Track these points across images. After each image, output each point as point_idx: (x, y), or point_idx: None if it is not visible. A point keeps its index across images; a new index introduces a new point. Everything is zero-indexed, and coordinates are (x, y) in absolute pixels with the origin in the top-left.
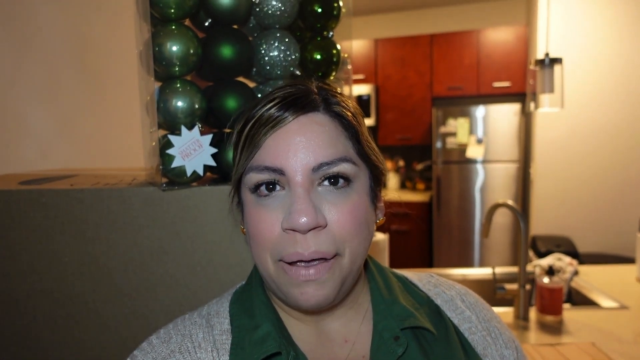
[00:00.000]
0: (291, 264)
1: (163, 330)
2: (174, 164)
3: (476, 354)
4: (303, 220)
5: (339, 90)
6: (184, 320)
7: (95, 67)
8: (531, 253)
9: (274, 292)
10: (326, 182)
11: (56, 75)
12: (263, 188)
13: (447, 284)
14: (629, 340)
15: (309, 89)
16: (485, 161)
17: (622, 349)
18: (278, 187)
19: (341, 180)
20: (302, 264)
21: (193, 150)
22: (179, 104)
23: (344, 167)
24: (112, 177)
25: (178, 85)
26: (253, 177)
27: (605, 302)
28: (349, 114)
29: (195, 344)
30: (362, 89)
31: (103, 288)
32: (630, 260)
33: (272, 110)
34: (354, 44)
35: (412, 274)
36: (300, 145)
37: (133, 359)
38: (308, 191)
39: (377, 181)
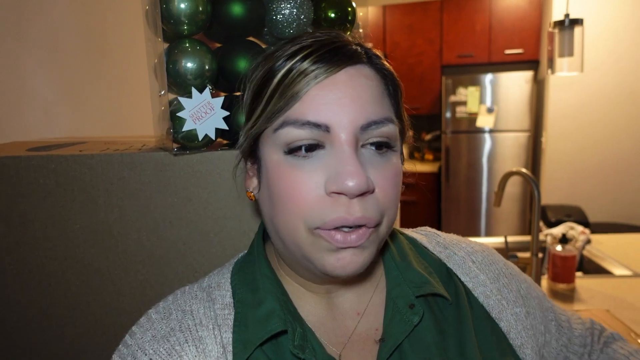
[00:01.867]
0: (330, 230)
1: (162, 304)
2: (185, 128)
3: (492, 319)
4: (354, 182)
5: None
6: (184, 294)
7: (100, 30)
8: (541, 223)
9: (295, 260)
10: (372, 147)
11: (60, 40)
12: (302, 151)
13: (454, 243)
14: None
15: (347, 39)
16: (494, 130)
17: (635, 317)
18: (319, 148)
19: (384, 147)
20: (345, 229)
21: (204, 113)
22: (189, 64)
23: (389, 128)
24: (121, 144)
25: (187, 44)
26: (290, 133)
27: (618, 270)
28: (389, 71)
29: (197, 321)
30: None
31: (116, 255)
32: None
33: (313, 57)
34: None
35: (417, 234)
36: (349, 99)
37: (132, 336)
38: (355, 151)
39: (402, 140)
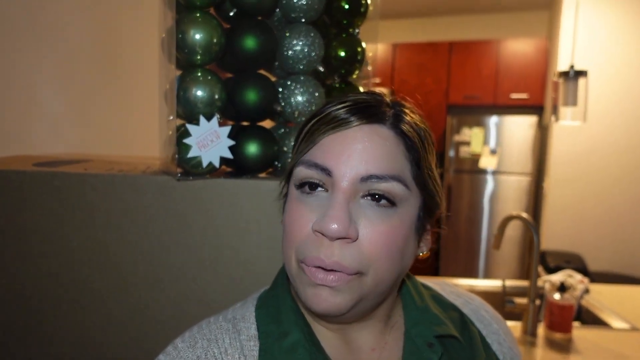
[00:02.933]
0: (311, 266)
1: (188, 334)
2: (190, 154)
3: None
4: (334, 226)
5: (411, 111)
6: (209, 324)
7: (113, 52)
8: (540, 268)
9: (296, 292)
10: (369, 198)
11: (73, 59)
12: (307, 187)
13: (467, 294)
14: None
15: (382, 100)
16: (496, 172)
17: None
18: (321, 189)
19: (385, 200)
20: (322, 270)
21: (210, 141)
22: (199, 93)
23: (393, 186)
24: (126, 164)
25: (199, 74)
26: (301, 171)
27: (616, 323)
28: (416, 135)
29: (222, 349)
30: None
31: (110, 276)
32: None
33: (340, 112)
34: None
35: (432, 282)
36: (355, 152)
37: None
38: (348, 200)
39: (428, 212)
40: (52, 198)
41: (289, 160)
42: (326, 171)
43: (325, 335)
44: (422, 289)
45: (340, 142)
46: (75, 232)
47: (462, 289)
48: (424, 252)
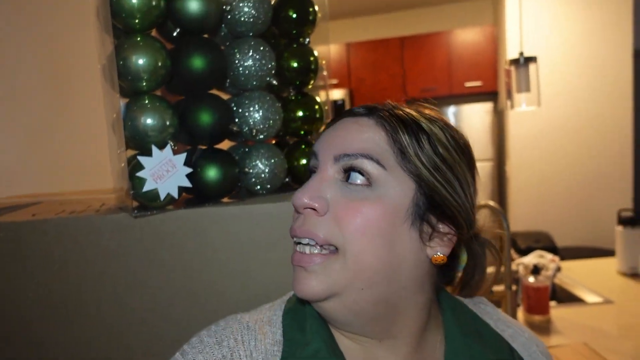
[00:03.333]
0: (297, 249)
1: (214, 328)
2: (146, 188)
3: None
4: (298, 197)
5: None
6: (236, 322)
7: (57, 83)
8: (511, 251)
9: None
10: (345, 178)
11: (19, 97)
12: (310, 174)
13: (518, 325)
14: (617, 335)
15: (387, 103)
16: None
17: (612, 345)
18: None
19: (358, 177)
20: (302, 248)
21: (166, 171)
22: (148, 121)
23: (363, 163)
24: (78, 203)
25: (146, 101)
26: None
27: (590, 298)
28: (401, 125)
29: (247, 352)
30: (336, 94)
31: (72, 331)
32: (607, 252)
33: (343, 112)
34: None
35: (477, 307)
36: (335, 138)
37: (184, 355)
38: (324, 179)
39: (439, 210)
40: None
41: (253, 181)
42: (315, 154)
43: (349, 346)
44: (468, 317)
45: (329, 132)
46: (28, 284)
47: (508, 316)
48: (437, 254)
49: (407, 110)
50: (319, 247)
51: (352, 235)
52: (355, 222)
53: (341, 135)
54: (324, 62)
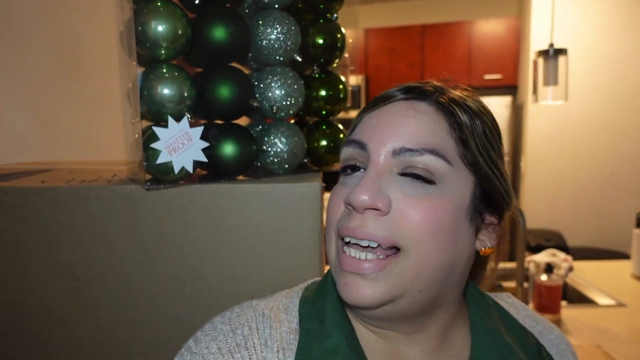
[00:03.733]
0: (344, 250)
1: (229, 315)
2: (160, 160)
3: None
4: (360, 197)
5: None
6: (251, 309)
7: (71, 51)
8: None
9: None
10: (408, 177)
11: (32, 64)
12: (349, 170)
13: (546, 322)
14: (629, 339)
15: (432, 83)
16: None
17: (624, 349)
18: (361, 169)
19: (423, 177)
20: (356, 254)
21: (181, 144)
22: (165, 91)
23: (429, 160)
24: (90, 173)
25: (164, 70)
26: (344, 152)
27: (602, 300)
28: (462, 113)
29: (262, 341)
30: (352, 80)
31: (78, 300)
32: (620, 255)
33: (386, 93)
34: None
35: (503, 301)
36: (389, 126)
37: (197, 343)
38: (381, 174)
39: (487, 199)
40: (4, 217)
41: (270, 160)
42: (361, 144)
43: (370, 341)
44: (494, 310)
45: (377, 118)
46: (34, 253)
47: (536, 314)
48: (487, 246)
49: (460, 94)
50: (378, 251)
51: (419, 235)
52: (423, 221)
53: (399, 124)
54: (350, 40)
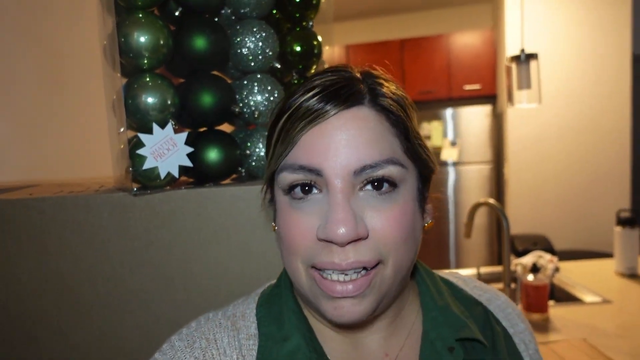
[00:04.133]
0: (324, 276)
1: (185, 331)
2: (146, 166)
3: None
4: (341, 231)
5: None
6: (208, 321)
7: (56, 69)
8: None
9: (305, 301)
10: (369, 187)
11: (15, 80)
12: (298, 190)
13: (494, 290)
14: (616, 334)
15: (352, 76)
16: (458, 163)
17: (610, 343)
18: (315, 190)
19: (386, 185)
20: (339, 277)
21: (167, 149)
22: (149, 100)
23: (389, 171)
24: (77, 185)
25: (147, 79)
26: (287, 177)
27: (588, 297)
28: (397, 106)
29: (221, 350)
30: None
31: (68, 306)
32: (604, 255)
33: (312, 102)
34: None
35: (453, 276)
36: (341, 144)
37: None
38: (348, 197)
39: (425, 182)
40: None
41: (253, 164)
42: (315, 171)
43: (331, 339)
44: (441, 284)
45: (322, 136)
46: (25, 262)
47: (484, 284)
48: (428, 222)
49: (387, 84)
50: (364, 269)
51: (395, 246)
52: (398, 233)
53: (351, 139)
54: (327, 47)
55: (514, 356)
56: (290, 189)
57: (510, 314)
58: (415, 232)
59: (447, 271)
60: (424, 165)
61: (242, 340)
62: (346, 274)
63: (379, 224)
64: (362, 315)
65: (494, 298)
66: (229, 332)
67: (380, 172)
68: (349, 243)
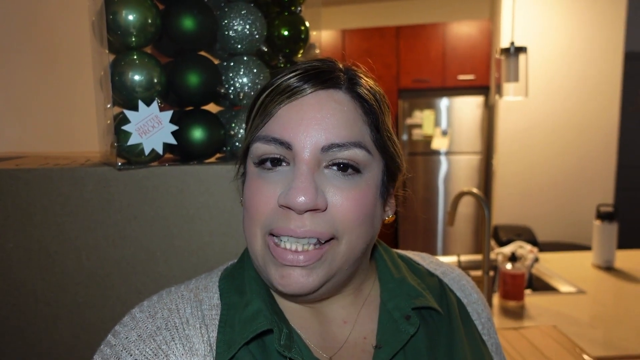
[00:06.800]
0: (278, 243)
1: (147, 303)
2: (131, 142)
3: (480, 336)
4: (301, 199)
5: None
6: (170, 293)
7: (47, 41)
8: (493, 242)
9: (257, 268)
10: (335, 168)
11: (4, 54)
12: (268, 163)
13: (448, 265)
14: (587, 323)
15: (335, 65)
16: (449, 153)
17: (580, 331)
18: (284, 163)
19: (350, 169)
20: (292, 245)
21: (152, 127)
22: (136, 77)
23: (355, 153)
24: (63, 158)
25: (135, 57)
26: (259, 148)
27: (564, 288)
28: (372, 97)
29: (183, 320)
30: None
31: (53, 276)
32: (585, 248)
33: (292, 80)
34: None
35: (412, 253)
36: (313, 121)
37: (115, 336)
38: (312, 170)
39: (391, 176)
40: None
41: (238, 145)
42: (285, 144)
43: (292, 306)
44: (399, 260)
45: (297, 112)
46: (10, 232)
47: (441, 260)
48: (389, 216)
49: (367, 79)
50: (314, 240)
51: (351, 224)
52: (355, 212)
53: (323, 118)
54: (314, 33)
55: (467, 323)
56: (261, 161)
57: (464, 285)
58: (373, 219)
59: (406, 251)
60: (391, 159)
61: (205, 310)
62: (299, 243)
63: (339, 201)
64: (309, 287)
65: (448, 271)
66: (192, 302)
67: (346, 153)
68: (307, 211)
